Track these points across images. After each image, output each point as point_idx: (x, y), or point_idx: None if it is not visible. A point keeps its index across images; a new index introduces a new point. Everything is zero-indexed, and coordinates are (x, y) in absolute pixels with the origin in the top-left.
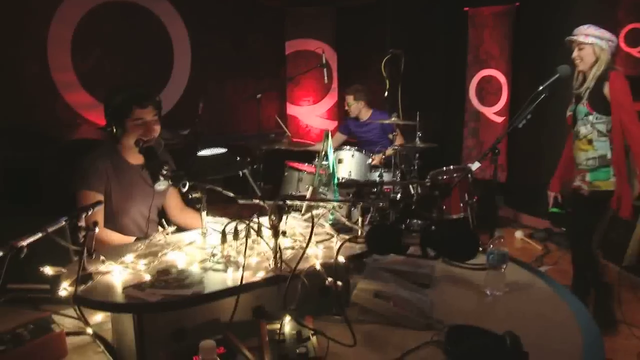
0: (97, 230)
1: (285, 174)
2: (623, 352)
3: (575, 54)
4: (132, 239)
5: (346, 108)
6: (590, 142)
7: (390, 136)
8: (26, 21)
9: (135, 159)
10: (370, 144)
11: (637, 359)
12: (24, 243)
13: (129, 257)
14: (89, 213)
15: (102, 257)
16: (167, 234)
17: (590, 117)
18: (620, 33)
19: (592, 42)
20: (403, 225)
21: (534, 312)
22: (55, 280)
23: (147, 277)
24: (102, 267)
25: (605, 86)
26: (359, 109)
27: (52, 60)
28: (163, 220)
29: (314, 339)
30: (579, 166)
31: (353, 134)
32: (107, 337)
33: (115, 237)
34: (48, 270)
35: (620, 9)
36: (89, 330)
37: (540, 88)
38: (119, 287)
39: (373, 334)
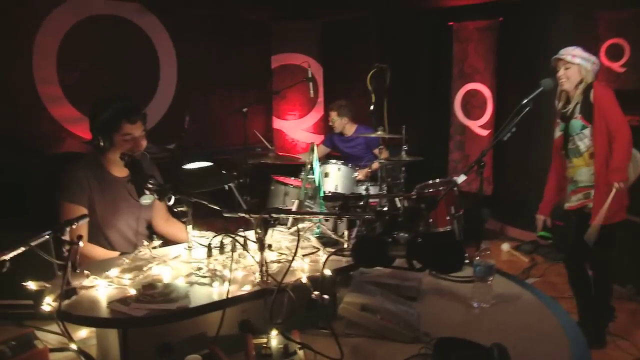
0: (81, 244)
1: (272, 187)
2: None
3: (561, 72)
4: (117, 253)
5: (330, 124)
6: (592, 155)
7: (376, 151)
8: (11, 34)
9: (120, 171)
10: (356, 159)
11: None
12: (6, 257)
13: (114, 272)
14: (74, 227)
15: (86, 272)
16: (154, 248)
17: (586, 131)
18: (600, 48)
19: (578, 62)
20: (389, 238)
21: (521, 324)
22: (39, 296)
23: (132, 292)
24: (86, 282)
25: (591, 94)
26: (343, 124)
27: (37, 73)
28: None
29: (300, 353)
30: (579, 184)
31: (337, 148)
32: (91, 353)
33: (99, 252)
34: (31, 285)
35: (600, 24)
36: (73, 346)
37: (525, 101)
38: (103, 301)
39: (360, 347)
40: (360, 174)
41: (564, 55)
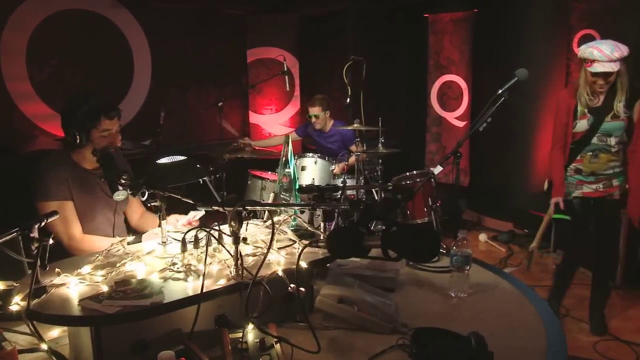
0: (51, 241)
1: (249, 182)
2: (585, 349)
3: (600, 82)
4: (118, 239)
5: (313, 120)
6: (618, 152)
7: (353, 147)
8: None
9: (93, 165)
10: (332, 153)
11: (595, 353)
12: None
13: (86, 269)
14: (42, 224)
15: (57, 270)
16: (128, 243)
17: (621, 131)
18: (573, 39)
19: (619, 67)
20: (364, 229)
21: (499, 313)
22: (7, 295)
23: (105, 289)
24: (57, 280)
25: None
26: (325, 119)
27: (6, 69)
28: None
29: (277, 346)
30: (599, 176)
31: (314, 141)
32: (63, 352)
33: (101, 242)
34: None
35: (572, 15)
36: (44, 347)
37: (500, 92)
38: (74, 299)
39: (338, 339)
40: (337, 168)
41: (606, 63)
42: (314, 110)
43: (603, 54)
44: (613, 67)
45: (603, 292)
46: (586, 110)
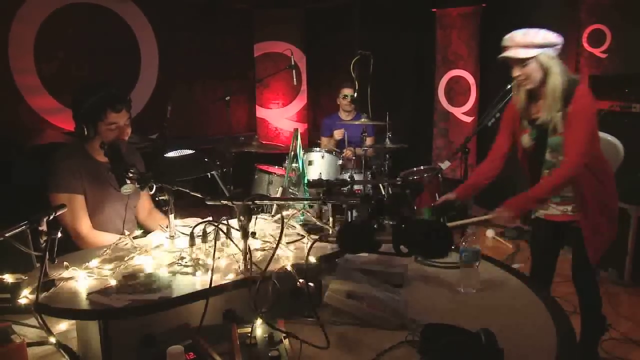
0: (59, 234)
1: (256, 176)
2: None
3: (516, 72)
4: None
5: (348, 101)
6: None
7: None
8: None
9: (105, 157)
10: (350, 142)
11: (601, 351)
12: None
13: (94, 262)
14: (51, 217)
15: (65, 263)
16: (136, 237)
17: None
18: (583, 33)
19: (535, 54)
20: (375, 224)
21: (508, 309)
22: (15, 288)
23: (113, 282)
24: (65, 274)
25: (571, 105)
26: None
27: (14, 62)
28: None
29: (286, 342)
30: (564, 197)
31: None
32: (72, 346)
33: (106, 238)
34: (7, 277)
35: (582, 9)
36: (52, 340)
37: (508, 87)
38: (83, 293)
39: (346, 335)
40: (347, 152)
41: (514, 50)
42: (349, 91)
43: (512, 37)
44: (520, 53)
45: (594, 332)
46: (526, 123)
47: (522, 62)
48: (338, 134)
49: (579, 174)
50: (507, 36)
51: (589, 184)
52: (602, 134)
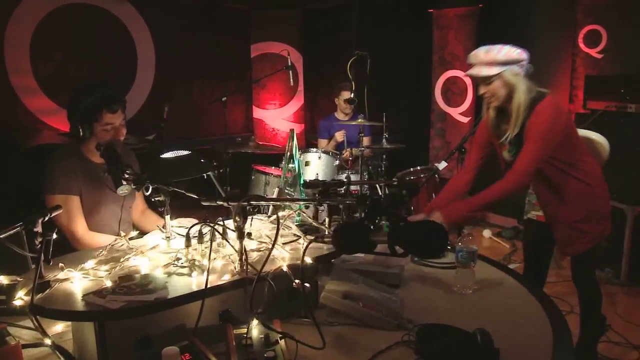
0: (54, 236)
1: (252, 177)
2: None
3: (482, 90)
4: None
5: (345, 107)
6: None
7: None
8: None
9: (101, 158)
10: (349, 143)
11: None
12: None
13: (90, 264)
14: (46, 218)
15: (61, 264)
16: (131, 238)
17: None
18: (579, 34)
19: (498, 71)
20: (371, 224)
21: (504, 309)
22: (10, 290)
23: (109, 284)
24: (60, 275)
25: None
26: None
27: (10, 63)
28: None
29: (282, 342)
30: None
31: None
32: (67, 347)
33: (102, 239)
34: (2, 279)
35: (578, 10)
36: (48, 341)
37: None
38: (78, 294)
39: (343, 335)
40: (346, 153)
41: (477, 68)
42: (347, 95)
43: (475, 54)
44: (483, 71)
45: (593, 332)
46: (503, 139)
47: (486, 80)
48: (339, 135)
49: (525, 183)
50: (472, 53)
51: (573, 189)
52: (586, 132)
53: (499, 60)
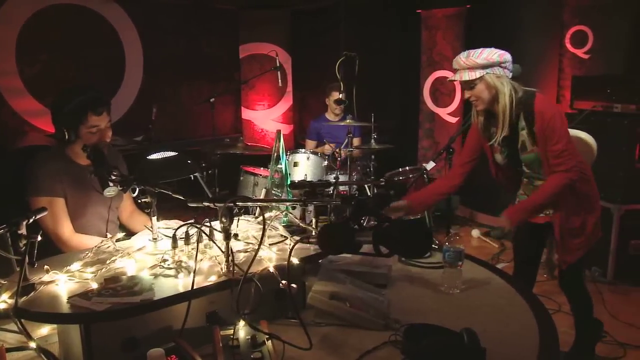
0: (39, 238)
1: (241, 178)
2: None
3: (467, 95)
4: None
5: (334, 106)
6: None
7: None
8: None
9: (87, 160)
10: (337, 144)
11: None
12: None
13: (75, 266)
14: (30, 220)
15: (46, 267)
16: (118, 240)
17: (539, 163)
18: (566, 34)
19: (480, 75)
20: (356, 224)
21: (491, 308)
22: None
23: (94, 286)
24: (45, 277)
25: (534, 124)
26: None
27: None
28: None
29: (269, 343)
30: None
31: (322, 136)
32: (53, 350)
33: (88, 241)
34: None
35: (565, 11)
36: (32, 345)
37: None
38: (64, 297)
39: (330, 336)
40: (327, 148)
41: (460, 75)
42: (336, 96)
43: (457, 59)
44: (465, 76)
45: (588, 337)
46: (495, 142)
47: (469, 84)
48: (328, 148)
49: (574, 179)
50: (455, 59)
51: (570, 196)
52: (574, 131)
53: (480, 64)
